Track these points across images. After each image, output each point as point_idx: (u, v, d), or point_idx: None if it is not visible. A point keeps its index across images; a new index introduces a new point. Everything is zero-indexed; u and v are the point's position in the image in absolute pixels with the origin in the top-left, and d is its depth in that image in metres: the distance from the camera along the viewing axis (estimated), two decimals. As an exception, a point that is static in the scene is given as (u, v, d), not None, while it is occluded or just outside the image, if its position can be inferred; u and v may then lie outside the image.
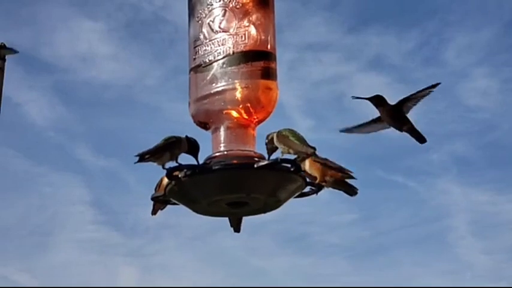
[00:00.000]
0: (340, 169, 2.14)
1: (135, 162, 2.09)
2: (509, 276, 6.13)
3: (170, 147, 2.11)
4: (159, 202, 2.20)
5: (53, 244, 6.26)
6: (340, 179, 2.15)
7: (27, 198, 6.24)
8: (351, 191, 2.18)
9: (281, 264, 6.24)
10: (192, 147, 2.13)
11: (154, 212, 2.25)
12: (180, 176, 2.03)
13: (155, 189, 2.16)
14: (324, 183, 2.14)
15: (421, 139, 2.44)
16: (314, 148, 2.06)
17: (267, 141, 2.14)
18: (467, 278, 6.03)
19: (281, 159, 2.04)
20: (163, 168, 2.07)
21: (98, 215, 6.00)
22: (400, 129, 2.40)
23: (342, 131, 2.55)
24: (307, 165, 2.11)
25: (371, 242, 6.02)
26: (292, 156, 2.06)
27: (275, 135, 2.11)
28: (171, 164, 2.10)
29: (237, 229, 2.14)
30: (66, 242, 6.24)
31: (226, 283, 6.20)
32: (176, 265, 6.26)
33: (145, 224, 5.64)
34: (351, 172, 2.15)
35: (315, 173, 2.13)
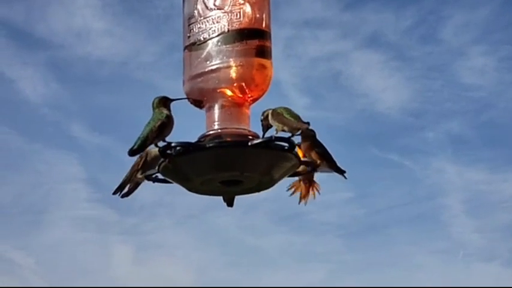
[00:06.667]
0: (336, 167, 2.19)
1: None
2: (501, 255, 6.16)
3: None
4: (152, 180, 2.19)
5: (47, 222, 6.25)
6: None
7: (21, 176, 6.23)
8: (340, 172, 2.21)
9: (276, 242, 6.25)
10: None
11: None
12: (173, 153, 2.02)
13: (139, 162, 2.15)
14: (319, 166, 2.17)
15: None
16: (308, 123, 2.06)
17: (262, 117, 2.14)
18: (460, 256, 6.05)
19: (275, 137, 2.03)
20: (156, 146, 2.06)
21: (93, 193, 5.98)
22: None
23: None
24: (305, 150, 2.13)
25: (365, 220, 6.03)
26: (287, 134, 2.06)
27: (270, 112, 2.10)
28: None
29: (230, 204, 2.14)
30: (61, 219, 6.23)
31: (221, 261, 6.21)
32: (171, 243, 6.27)
33: (140, 202, 5.62)
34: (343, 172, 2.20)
35: (316, 159, 2.15)
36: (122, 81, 5.96)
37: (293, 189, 2.31)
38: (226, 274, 6.10)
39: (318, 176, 2.26)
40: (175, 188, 2.14)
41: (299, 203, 2.30)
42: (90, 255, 6.15)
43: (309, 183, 2.29)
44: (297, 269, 6.14)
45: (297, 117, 2.07)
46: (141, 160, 2.16)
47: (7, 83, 6.10)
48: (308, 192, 2.30)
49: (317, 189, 2.30)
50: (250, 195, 2.15)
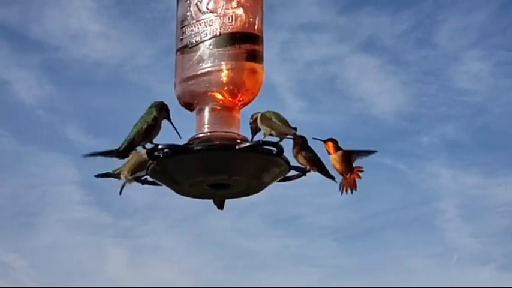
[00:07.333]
0: (325, 172, 2.20)
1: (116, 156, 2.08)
2: (496, 260, 6.15)
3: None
4: (142, 182, 2.19)
5: (41, 224, 6.25)
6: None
7: (15, 178, 6.23)
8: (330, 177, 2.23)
9: (271, 245, 6.25)
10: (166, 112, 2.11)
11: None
12: (161, 156, 2.02)
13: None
14: (309, 171, 2.17)
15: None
16: (295, 129, 2.06)
17: (251, 120, 2.14)
18: (454, 260, 6.04)
19: (263, 141, 2.03)
20: (144, 147, 2.06)
21: (87, 196, 5.98)
22: (342, 174, 2.32)
23: None
24: (295, 155, 2.13)
25: (360, 224, 6.03)
26: (275, 139, 2.06)
27: (259, 116, 2.10)
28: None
29: (220, 207, 2.14)
30: (55, 222, 6.23)
31: (215, 264, 6.21)
32: (166, 246, 6.27)
33: (134, 205, 5.62)
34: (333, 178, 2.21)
35: (305, 164, 2.14)
36: (117, 84, 5.97)
37: (343, 189, 2.29)
38: (221, 277, 6.10)
39: (317, 178, 2.26)
40: (170, 190, 2.13)
41: (351, 192, 2.28)
42: (84, 258, 6.15)
43: (350, 173, 2.28)
44: (292, 273, 6.15)
45: (285, 122, 2.07)
46: None
47: (2, 85, 6.11)
48: (355, 180, 2.29)
49: (359, 171, 2.29)
50: (245, 198, 2.14)
